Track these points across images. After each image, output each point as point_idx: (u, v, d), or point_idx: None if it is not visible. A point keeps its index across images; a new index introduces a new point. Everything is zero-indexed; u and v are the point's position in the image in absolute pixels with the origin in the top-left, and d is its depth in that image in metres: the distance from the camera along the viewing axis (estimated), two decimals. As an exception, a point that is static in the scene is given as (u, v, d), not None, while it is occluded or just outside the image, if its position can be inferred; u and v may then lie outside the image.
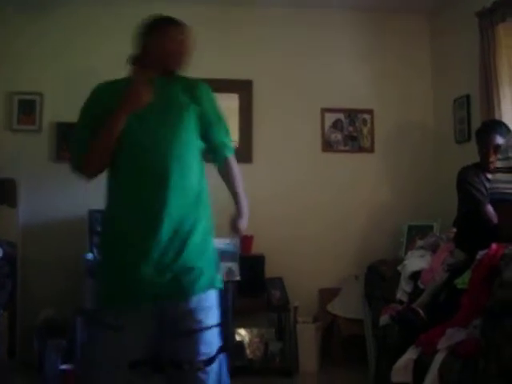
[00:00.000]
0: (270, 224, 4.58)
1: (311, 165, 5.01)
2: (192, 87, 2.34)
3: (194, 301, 2.17)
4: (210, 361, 2.18)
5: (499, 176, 3.12)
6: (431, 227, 4.56)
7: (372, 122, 5.10)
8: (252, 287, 4.40)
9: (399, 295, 3.66)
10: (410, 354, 2.90)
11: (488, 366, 2.32)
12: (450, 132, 4.79)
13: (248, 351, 4.44)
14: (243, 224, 2.41)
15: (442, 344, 2.66)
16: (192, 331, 2.16)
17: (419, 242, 4.13)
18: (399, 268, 3.86)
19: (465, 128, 4.56)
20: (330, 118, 5.07)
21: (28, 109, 4.71)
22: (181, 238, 2.19)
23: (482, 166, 3.62)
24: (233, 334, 4.36)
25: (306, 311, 4.62)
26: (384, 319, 3.55)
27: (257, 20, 5.00)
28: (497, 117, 3.91)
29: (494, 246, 2.75)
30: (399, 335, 3.26)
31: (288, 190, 4.90)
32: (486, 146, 3.59)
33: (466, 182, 3.60)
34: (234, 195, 2.42)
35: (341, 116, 5.08)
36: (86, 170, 2.29)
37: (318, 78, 5.06)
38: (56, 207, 4.66)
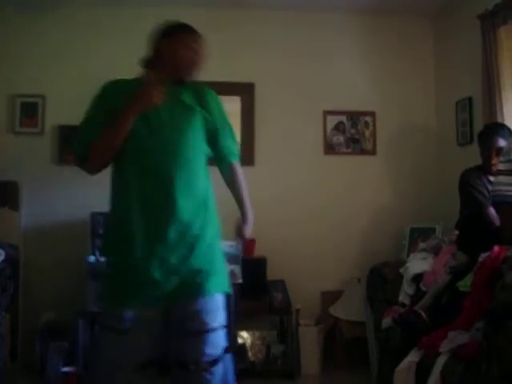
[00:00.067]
0: (272, 226, 4.57)
1: (313, 167, 5.00)
2: (200, 92, 2.36)
3: (201, 303, 2.19)
4: (216, 361, 2.19)
5: (501, 178, 3.13)
6: (433, 230, 4.55)
7: (374, 125, 5.10)
8: (254, 290, 4.40)
9: (401, 298, 3.66)
10: (413, 357, 2.89)
11: (490, 369, 2.32)
12: (453, 134, 4.78)
13: (250, 354, 4.44)
14: (248, 230, 2.43)
15: (445, 347, 2.66)
16: (198, 332, 2.17)
17: (421, 245, 4.13)
18: (401, 270, 3.86)
19: (467, 130, 4.56)
20: (332, 121, 5.07)
21: (30, 111, 4.71)
22: (189, 242, 2.20)
23: (485, 169, 3.62)
24: (235, 336, 4.35)
25: (308, 314, 4.62)
26: (386, 322, 3.54)
27: (258, 22, 4.99)
28: (499, 119, 3.90)
29: (496, 248, 2.75)
30: (401, 338, 3.25)
31: (290, 192, 4.90)
32: (488, 149, 3.59)
33: (469, 184, 3.60)
34: (239, 201, 2.44)
35: (343, 118, 5.08)
36: (90, 165, 2.29)
37: (320, 81, 5.06)
38: (58, 210, 4.67)
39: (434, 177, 5.04)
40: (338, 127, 5.06)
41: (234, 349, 4.08)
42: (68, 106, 4.59)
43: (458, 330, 2.71)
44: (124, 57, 4.59)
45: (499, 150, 3.49)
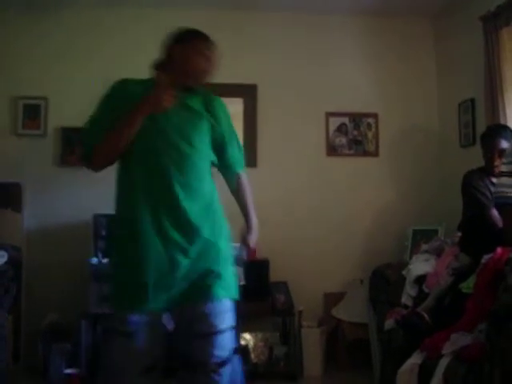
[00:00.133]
0: (275, 228, 4.56)
1: (316, 169, 5.00)
2: (209, 99, 2.37)
3: (210, 306, 2.19)
4: (224, 363, 2.19)
5: (504, 180, 3.13)
6: (436, 231, 4.55)
7: (376, 126, 5.09)
8: (257, 291, 4.39)
9: (404, 299, 3.65)
10: (415, 359, 2.89)
11: (493, 371, 2.32)
12: (455, 136, 4.78)
13: (253, 355, 4.43)
14: (253, 239, 2.44)
15: (447, 348, 2.66)
16: (207, 334, 2.17)
17: (424, 246, 4.13)
18: (404, 272, 3.86)
19: (469, 132, 4.55)
20: (334, 122, 5.07)
21: (33, 113, 4.72)
22: (198, 245, 2.20)
23: (487, 170, 3.62)
24: (238, 338, 4.35)
25: (310, 315, 4.61)
26: (389, 323, 3.54)
27: (259, 24, 4.99)
28: (502, 121, 3.90)
29: (499, 250, 2.75)
30: (404, 339, 3.25)
31: (293, 194, 4.90)
32: (490, 151, 3.59)
33: (471, 185, 3.60)
34: (244, 210, 2.46)
35: (345, 120, 5.08)
36: (94, 165, 2.29)
37: (323, 82, 5.06)
38: (61, 211, 4.67)
39: (437, 178, 5.03)
40: (341, 129, 5.06)
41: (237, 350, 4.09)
42: (71, 108, 4.60)
43: (460, 332, 2.71)
44: (126, 57, 4.62)
45: (502, 152, 3.49)
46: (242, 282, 4.22)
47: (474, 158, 3.94)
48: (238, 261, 2.44)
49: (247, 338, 4.50)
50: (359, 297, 4.56)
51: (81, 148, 2.29)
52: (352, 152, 5.08)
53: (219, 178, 2.46)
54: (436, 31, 5.21)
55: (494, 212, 3.29)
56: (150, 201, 2.17)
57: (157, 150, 2.19)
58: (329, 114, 5.06)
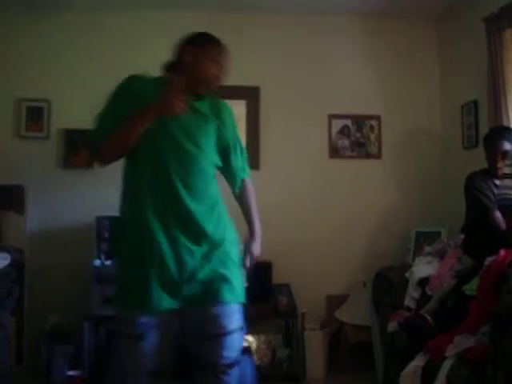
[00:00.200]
0: (277, 230, 4.55)
1: (318, 171, 5.00)
2: (217, 105, 2.38)
3: (218, 309, 2.19)
4: (233, 364, 2.21)
5: (507, 182, 3.12)
6: (439, 233, 4.54)
7: (379, 128, 5.09)
8: (259, 294, 4.38)
9: (407, 302, 3.65)
10: (418, 361, 2.88)
11: (496, 373, 2.31)
12: (458, 138, 4.77)
13: (255, 357, 4.42)
14: (257, 248, 2.46)
15: (450, 351, 2.65)
16: (216, 335, 2.18)
17: (427, 249, 4.11)
18: (407, 274, 3.85)
19: (472, 134, 4.55)
20: (337, 124, 5.07)
21: (36, 116, 4.73)
22: (206, 247, 2.21)
23: (490, 172, 3.62)
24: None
25: (313, 318, 4.61)
26: (392, 326, 3.53)
27: (260, 26, 4.99)
28: (505, 123, 3.90)
29: (502, 252, 2.75)
30: (407, 342, 3.24)
31: (295, 196, 4.90)
32: (493, 152, 3.59)
33: (474, 187, 3.59)
34: (247, 216, 2.47)
35: (348, 122, 5.07)
36: (102, 159, 2.29)
37: (325, 84, 5.06)
38: (64, 214, 4.67)
39: (440, 180, 5.03)
40: (343, 131, 5.06)
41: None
42: (73, 111, 4.61)
43: (463, 334, 2.70)
44: (127, 58, 4.62)
45: (505, 154, 3.49)
46: (245, 285, 4.22)
47: (477, 159, 3.94)
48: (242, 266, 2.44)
49: (250, 340, 4.49)
50: (362, 299, 4.55)
51: (89, 146, 2.28)
52: (355, 154, 5.07)
53: (222, 182, 2.46)
54: (439, 33, 5.21)
55: (498, 214, 3.29)
56: (156, 201, 2.17)
57: (163, 150, 2.19)
58: (331, 116, 5.06)
